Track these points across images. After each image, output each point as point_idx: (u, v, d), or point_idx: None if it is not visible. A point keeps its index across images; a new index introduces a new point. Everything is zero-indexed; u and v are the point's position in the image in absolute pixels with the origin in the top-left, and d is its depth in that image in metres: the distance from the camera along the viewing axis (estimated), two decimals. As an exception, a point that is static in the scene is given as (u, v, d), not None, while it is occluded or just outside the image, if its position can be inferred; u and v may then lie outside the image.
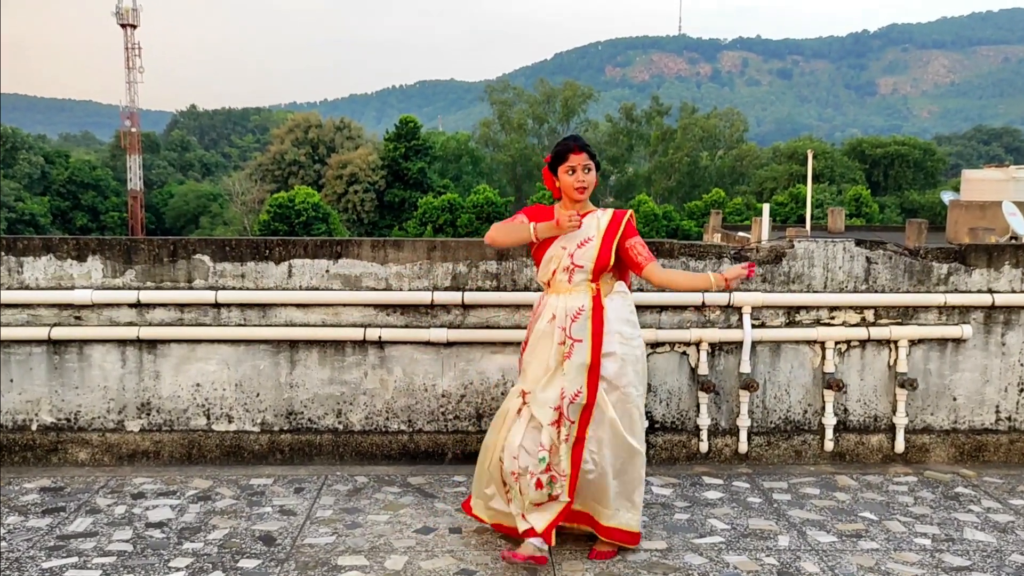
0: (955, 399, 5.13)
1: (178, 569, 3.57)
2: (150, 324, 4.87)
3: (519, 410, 3.73)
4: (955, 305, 5.03)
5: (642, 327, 4.85)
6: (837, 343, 5.01)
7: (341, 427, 4.96)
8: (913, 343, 5.05)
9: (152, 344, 4.89)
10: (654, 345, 4.94)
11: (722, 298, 4.91)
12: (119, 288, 4.87)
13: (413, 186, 62.37)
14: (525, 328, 4.30)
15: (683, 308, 4.94)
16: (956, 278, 5.04)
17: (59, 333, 4.84)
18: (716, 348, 4.98)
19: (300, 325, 4.90)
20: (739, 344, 4.96)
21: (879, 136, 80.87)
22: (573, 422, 3.64)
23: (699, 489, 4.58)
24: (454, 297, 4.87)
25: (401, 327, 4.91)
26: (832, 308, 5.00)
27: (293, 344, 4.91)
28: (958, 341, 5.07)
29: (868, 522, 4.16)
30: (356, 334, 4.87)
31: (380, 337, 4.88)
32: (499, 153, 72.68)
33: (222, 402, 4.93)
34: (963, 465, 5.07)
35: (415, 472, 4.79)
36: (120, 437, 4.93)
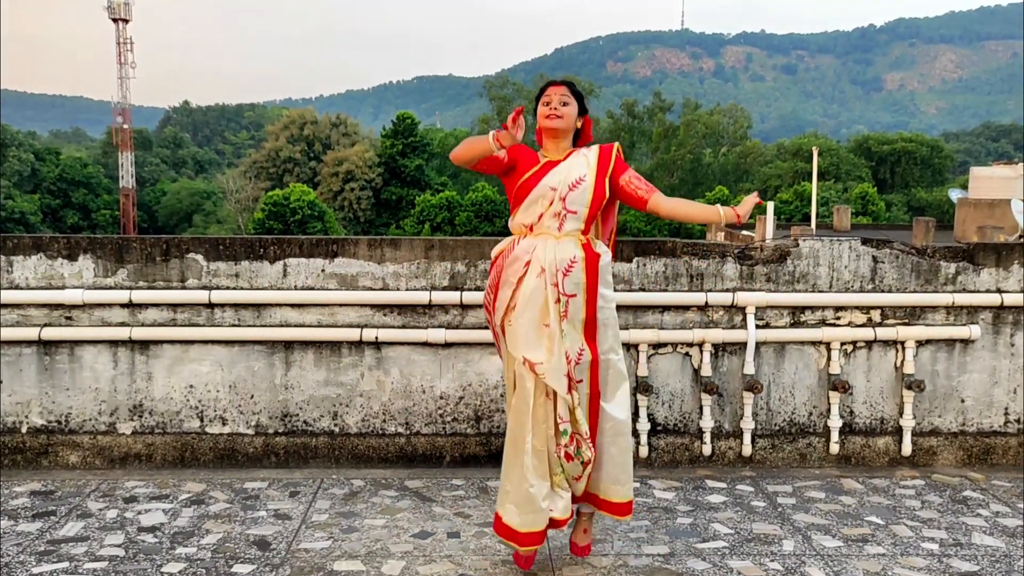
0: (963, 401, 5.13)
1: (171, 574, 3.57)
2: (142, 324, 4.87)
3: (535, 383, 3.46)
4: (963, 305, 5.03)
5: (644, 328, 4.87)
6: (843, 344, 5.01)
7: (337, 429, 4.96)
8: (920, 344, 5.05)
9: (144, 345, 4.89)
10: (656, 346, 4.94)
11: (726, 298, 4.91)
12: (111, 288, 4.87)
13: (410, 184, 62.39)
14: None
15: (686, 308, 4.94)
16: (964, 278, 5.04)
17: (50, 333, 4.84)
18: (719, 349, 4.98)
19: (295, 325, 4.89)
20: (743, 345, 4.96)
21: (885, 133, 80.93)
22: (581, 380, 3.47)
23: (702, 493, 4.58)
24: (452, 297, 4.87)
25: (398, 327, 4.91)
26: (838, 308, 5.00)
27: (288, 345, 4.91)
28: (966, 342, 5.07)
29: (875, 526, 4.16)
30: (352, 335, 4.87)
31: (377, 338, 4.87)
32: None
33: (216, 404, 4.93)
34: (971, 468, 5.08)
35: (413, 475, 4.79)
36: (112, 440, 4.92)
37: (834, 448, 5.05)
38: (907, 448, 5.08)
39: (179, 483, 4.63)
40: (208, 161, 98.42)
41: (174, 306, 4.88)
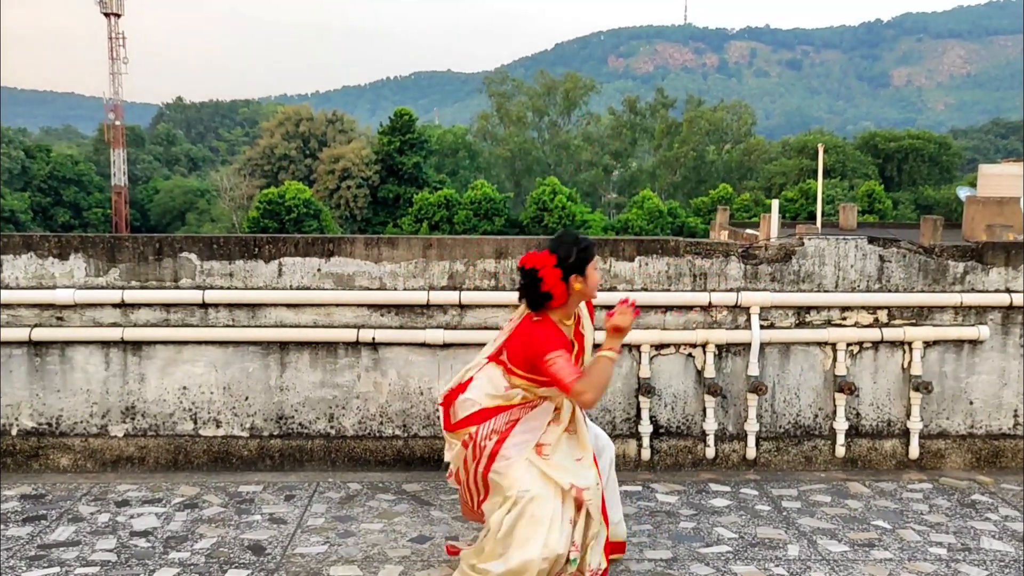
0: (971, 403, 5.13)
1: (164, 580, 3.57)
2: (135, 325, 4.87)
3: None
4: (972, 305, 5.03)
5: (646, 328, 4.88)
6: (849, 345, 5.01)
7: (333, 432, 4.96)
8: (928, 344, 5.05)
9: (137, 346, 4.88)
10: (658, 347, 4.94)
11: (729, 298, 4.91)
12: (102, 288, 4.87)
13: (408, 181, 62.36)
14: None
15: (689, 308, 4.94)
16: (973, 277, 5.04)
17: (40, 334, 4.84)
18: (723, 350, 4.98)
19: (291, 326, 4.89)
20: (747, 346, 4.96)
21: (892, 129, 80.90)
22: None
23: (705, 496, 4.58)
24: (451, 297, 4.87)
25: (396, 328, 4.91)
26: (844, 308, 5.00)
27: (283, 346, 4.91)
28: (975, 342, 5.07)
29: (881, 531, 4.16)
30: (349, 335, 4.87)
31: (374, 338, 4.87)
32: (498, 147, 72.66)
33: (209, 406, 4.93)
34: (980, 471, 5.08)
35: (410, 479, 4.79)
36: (104, 442, 4.92)
37: (840, 451, 5.05)
38: (914, 451, 5.08)
39: (172, 486, 4.63)
40: (202, 158, 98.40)
41: (167, 306, 4.88)
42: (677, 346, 4.97)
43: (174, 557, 3.78)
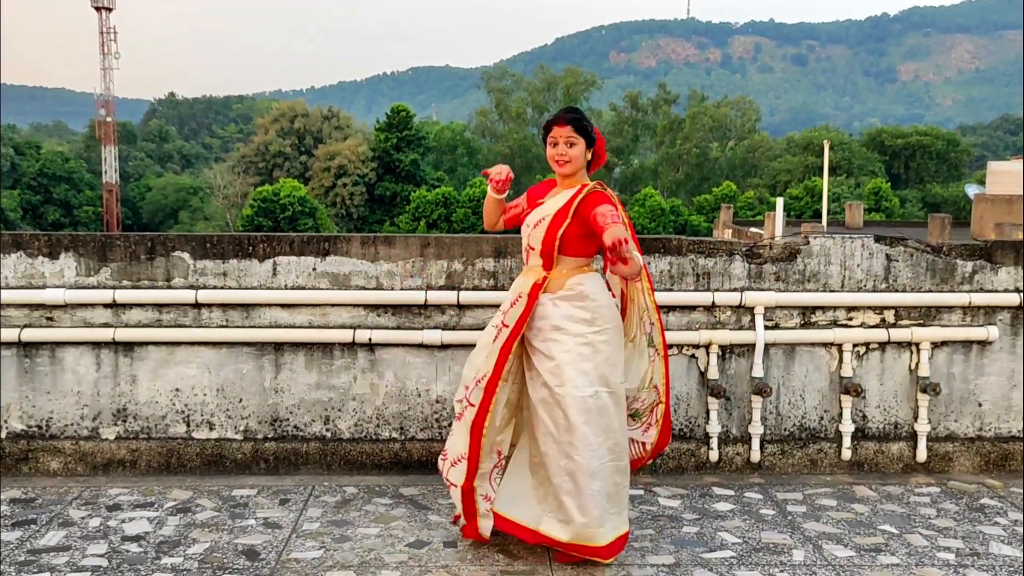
0: (980, 405, 5.13)
1: (156, 585, 3.57)
2: (126, 325, 4.87)
3: None
4: (980, 305, 5.03)
5: (648, 328, 4.86)
6: (855, 345, 5.01)
7: (329, 435, 4.96)
8: (936, 345, 5.05)
9: (128, 346, 4.88)
10: (661, 348, 4.94)
11: (733, 298, 4.91)
12: (93, 287, 4.87)
13: (405, 179, 62.38)
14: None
15: (692, 308, 4.94)
16: (981, 276, 5.04)
17: (30, 335, 4.83)
18: (727, 351, 4.98)
19: (285, 326, 4.89)
20: (751, 346, 4.96)
21: (900, 126, 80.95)
22: (473, 405, 3.78)
23: (709, 500, 4.58)
24: (449, 297, 4.87)
25: (393, 328, 4.91)
26: (850, 308, 5.00)
27: (278, 347, 4.91)
28: (983, 343, 5.07)
29: (888, 535, 4.16)
30: (345, 336, 4.87)
31: (370, 339, 4.87)
32: (497, 144, 72.68)
33: (203, 408, 4.93)
34: (989, 475, 5.08)
35: (407, 482, 4.79)
36: (94, 445, 4.92)
37: (846, 454, 5.05)
38: (922, 454, 5.08)
39: (164, 490, 4.63)
40: (195, 155, 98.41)
41: (159, 306, 4.88)
42: (680, 347, 4.97)
43: (167, 562, 3.78)
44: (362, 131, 73.92)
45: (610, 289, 3.87)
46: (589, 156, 3.81)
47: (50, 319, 4.87)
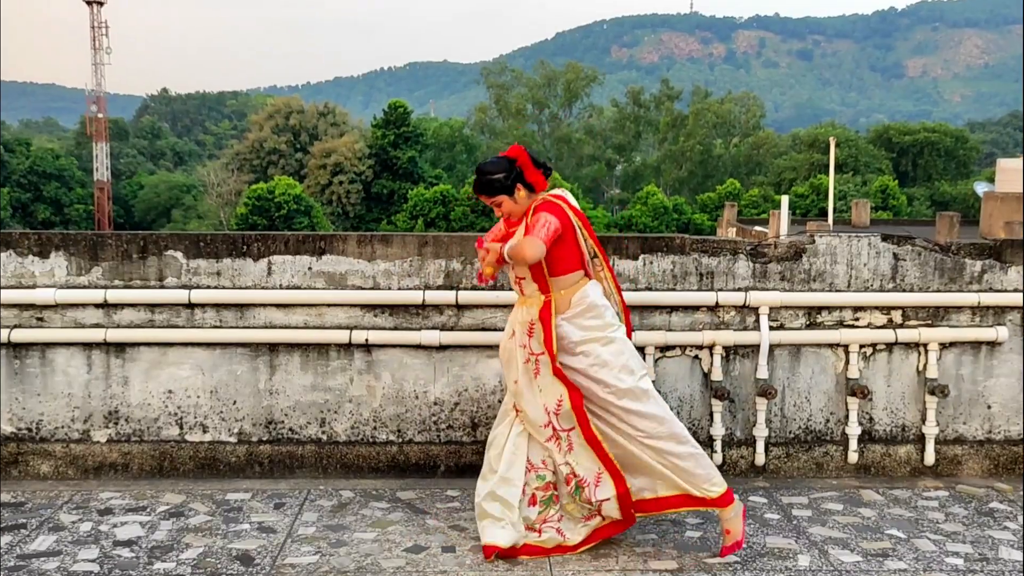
0: (989, 407, 5.13)
1: (148, 591, 3.58)
2: (118, 326, 4.87)
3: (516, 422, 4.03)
4: (990, 305, 5.03)
5: (650, 329, 4.88)
6: (862, 346, 5.01)
7: (325, 437, 4.96)
8: (944, 346, 5.05)
9: (120, 347, 4.88)
10: (664, 349, 4.94)
11: (737, 298, 4.91)
12: (84, 287, 4.87)
13: (403, 176, 62.36)
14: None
15: (695, 308, 4.94)
16: (991, 276, 5.04)
17: (19, 335, 4.83)
18: (731, 352, 4.98)
19: (280, 327, 4.89)
20: (756, 347, 4.96)
21: (907, 122, 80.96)
22: (570, 428, 3.88)
23: (712, 504, 4.57)
24: (447, 296, 4.87)
25: (390, 329, 4.91)
26: (856, 308, 5.00)
27: (273, 347, 4.91)
28: (993, 344, 5.07)
29: (896, 540, 4.16)
30: (341, 336, 4.87)
31: (367, 340, 4.87)
32: (496, 141, 72.58)
33: (196, 410, 4.93)
34: (998, 478, 5.08)
35: (405, 486, 4.79)
36: (86, 448, 4.92)
37: (853, 457, 5.05)
38: (930, 457, 5.08)
39: (157, 494, 4.63)
40: (188, 152, 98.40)
41: (152, 306, 4.88)
42: (683, 348, 4.97)
43: (159, 568, 3.78)
44: (359, 128, 73.87)
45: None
46: (522, 196, 3.90)
47: (40, 319, 4.86)
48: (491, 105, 75.38)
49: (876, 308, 5.01)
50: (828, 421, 5.07)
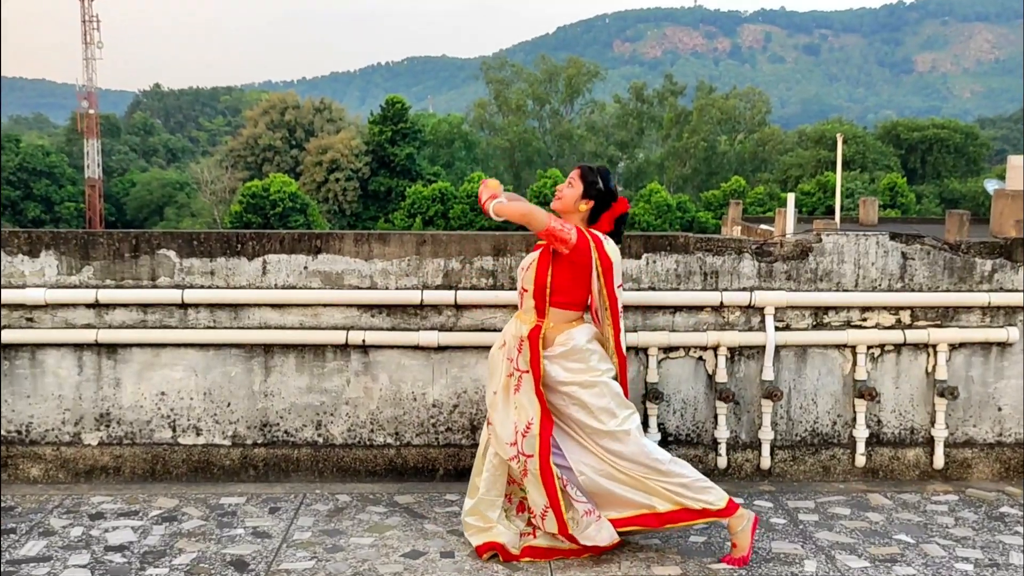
0: (1000, 409, 5.13)
1: (141, 597, 3.58)
2: (110, 326, 4.87)
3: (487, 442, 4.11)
4: (1000, 305, 5.03)
5: (653, 329, 4.88)
6: (869, 347, 5.01)
7: (321, 440, 4.96)
8: (953, 347, 5.05)
9: (112, 348, 4.88)
10: (667, 350, 4.94)
11: (742, 298, 4.92)
12: (75, 287, 4.87)
13: (400, 174, 62.39)
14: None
15: (699, 309, 4.94)
16: (1001, 276, 5.05)
17: (9, 336, 4.83)
18: (735, 353, 4.98)
19: (276, 327, 4.90)
20: (761, 348, 4.96)
21: (916, 118, 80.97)
22: (530, 455, 3.89)
23: (717, 509, 4.57)
24: (446, 296, 4.87)
25: (387, 329, 4.91)
26: (864, 309, 5.01)
27: (268, 348, 4.91)
28: (1003, 345, 5.07)
29: (904, 545, 4.16)
30: (337, 337, 4.87)
31: (364, 340, 4.88)
32: (496, 137, 72.73)
33: (189, 413, 4.94)
34: (1009, 482, 5.08)
35: (403, 490, 4.79)
36: (76, 451, 4.92)
37: (860, 460, 5.06)
38: (939, 460, 5.08)
39: (149, 498, 4.63)
40: (181, 149, 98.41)
41: (144, 306, 4.88)
42: (687, 349, 4.97)
43: (151, 573, 3.78)
44: (355, 124, 73.88)
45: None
46: (583, 207, 3.98)
47: (30, 320, 4.87)
48: (491, 101, 75.40)
49: (884, 308, 5.01)
50: (835, 424, 5.07)
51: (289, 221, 51.28)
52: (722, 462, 5.00)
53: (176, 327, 4.89)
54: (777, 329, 4.95)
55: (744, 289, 4.95)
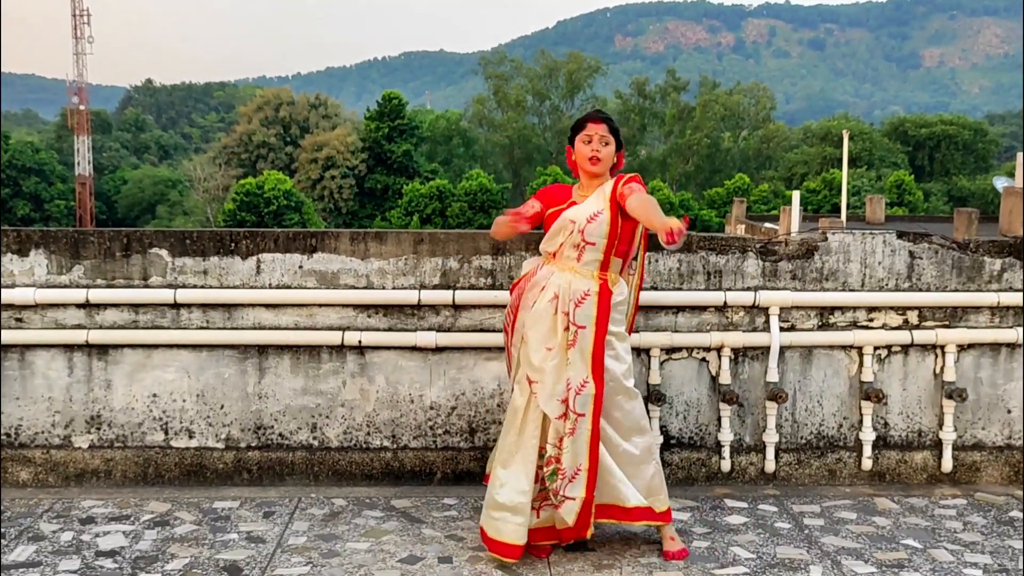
0: (1009, 411, 5.13)
1: (132, 604, 3.58)
2: (100, 327, 4.87)
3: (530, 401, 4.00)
4: (1009, 305, 5.03)
5: (656, 330, 4.88)
6: (876, 348, 5.01)
7: (316, 443, 4.96)
8: (962, 348, 5.05)
9: (103, 349, 4.88)
10: (669, 351, 4.94)
11: (746, 298, 4.92)
12: (65, 286, 4.87)
13: (397, 171, 62.44)
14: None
15: (702, 309, 4.94)
16: (1011, 275, 5.05)
17: (-3, 337, 4.83)
18: (739, 354, 4.98)
19: (270, 328, 4.89)
20: (766, 349, 4.96)
21: (924, 114, 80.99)
22: (582, 415, 3.87)
23: (720, 513, 4.58)
24: (444, 296, 4.87)
25: (384, 330, 4.91)
26: (870, 309, 5.01)
27: (262, 349, 4.91)
28: (1013, 346, 5.07)
29: (912, 550, 4.16)
30: (333, 338, 4.87)
31: (360, 341, 4.88)
32: (495, 134, 72.75)
33: (182, 415, 4.93)
34: (1018, 486, 5.08)
35: (400, 494, 4.79)
36: (67, 454, 4.92)
37: (867, 464, 5.06)
38: (947, 464, 5.08)
39: (141, 502, 4.63)
40: (173, 146, 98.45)
41: (135, 306, 4.88)
42: (689, 350, 4.97)
43: (143, 579, 3.78)
44: (351, 120, 73.96)
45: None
46: (614, 160, 4.09)
47: (19, 320, 4.86)
48: (490, 96, 75.41)
49: (891, 308, 5.01)
50: (841, 426, 5.07)
51: (284, 219, 51.30)
52: (725, 465, 5.00)
53: (168, 328, 4.89)
54: (782, 330, 4.95)
55: (748, 289, 4.95)
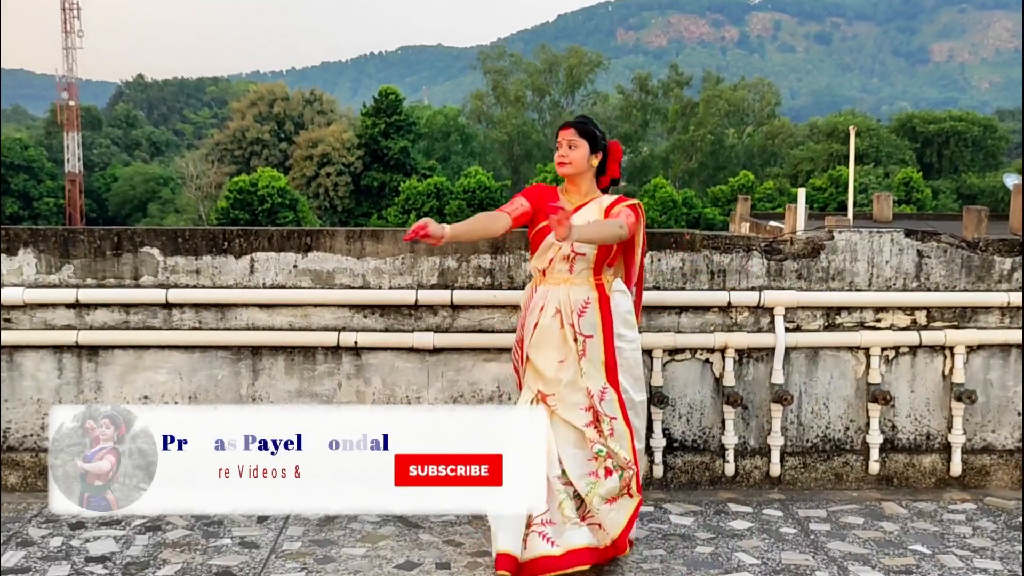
0: (1019, 414, 5.14)
1: (123, 611, 3.58)
2: (91, 327, 4.87)
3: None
4: (1019, 305, 5.04)
5: (658, 331, 4.88)
6: (884, 349, 5.01)
7: (311, 446, 4.95)
8: (971, 349, 5.05)
9: (93, 350, 4.88)
10: (672, 352, 4.94)
11: (751, 298, 4.92)
12: (55, 286, 4.87)
13: (394, 168, 62.37)
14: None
15: (706, 309, 4.94)
16: (1021, 274, 5.05)
17: (-15, 338, 4.83)
18: (744, 355, 4.99)
19: (264, 328, 4.89)
20: (770, 350, 4.96)
21: (932, 110, 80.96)
22: (614, 417, 3.90)
23: (724, 518, 4.58)
24: (442, 296, 4.87)
25: (380, 331, 4.91)
26: (878, 309, 5.01)
27: (256, 350, 4.91)
28: (1023, 347, 5.07)
29: (920, 556, 4.17)
30: (328, 339, 4.87)
31: (356, 342, 4.87)
32: (493, 130, 72.67)
33: (174, 418, 4.93)
34: (1029, 490, 5.09)
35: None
36: (56, 458, 4.92)
37: (874, 467, 5.06)
38: (956, 467, 5.08)
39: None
40: (165, 142, 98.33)
41: (126, 306, 4.88)
42: (693, 351, 4.97)
43: (134, 585, 3.78)
44: (347, 116, 73.88)
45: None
46: (594, 162, 4.06)
47: (8, 320, 4.86)
48: (488, 92, 75.32)
49: (899, 308, 5.01)
50: (848, 429, 5.08)
51: (278, 217, 51.23)
52: (730, 469, 5.00)
53: (160, 328, 4.89)
54: (787, 330, 4.95)
55: (753, 288, 4.95)
